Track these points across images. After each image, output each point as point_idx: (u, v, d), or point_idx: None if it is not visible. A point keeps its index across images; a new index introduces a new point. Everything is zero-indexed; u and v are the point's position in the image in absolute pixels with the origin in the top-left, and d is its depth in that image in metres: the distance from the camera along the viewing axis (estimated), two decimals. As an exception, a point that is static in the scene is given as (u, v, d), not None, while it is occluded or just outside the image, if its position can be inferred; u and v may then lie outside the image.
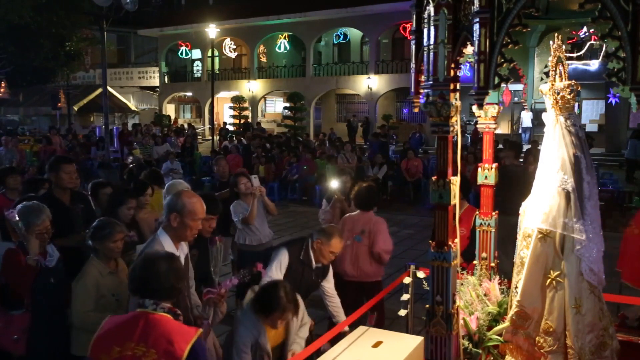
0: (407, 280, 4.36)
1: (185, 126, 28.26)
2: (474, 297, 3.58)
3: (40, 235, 3.70)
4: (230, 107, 29.09)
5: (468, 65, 3.29)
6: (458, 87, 2.76)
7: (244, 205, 5.61)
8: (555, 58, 3.24)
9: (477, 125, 3.95)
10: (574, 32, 3.64)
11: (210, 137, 25.10)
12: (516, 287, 3.36)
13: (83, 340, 3.37)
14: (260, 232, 5.72)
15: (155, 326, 2.31)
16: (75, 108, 29.44)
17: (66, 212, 4.46)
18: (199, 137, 28.90)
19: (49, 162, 4.83)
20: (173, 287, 2.46)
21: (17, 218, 3.70)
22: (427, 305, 2.93)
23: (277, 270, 4.13)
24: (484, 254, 3.89)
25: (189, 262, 3.40)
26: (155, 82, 32.78)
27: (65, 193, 4.62)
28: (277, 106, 32.37)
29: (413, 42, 2.96)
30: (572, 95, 3.20)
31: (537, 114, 20.31)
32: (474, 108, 3.45)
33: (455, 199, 2.85)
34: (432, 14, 2.66)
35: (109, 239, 3.56)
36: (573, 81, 3.22)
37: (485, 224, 3.88)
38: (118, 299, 3.54)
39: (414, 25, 2.94)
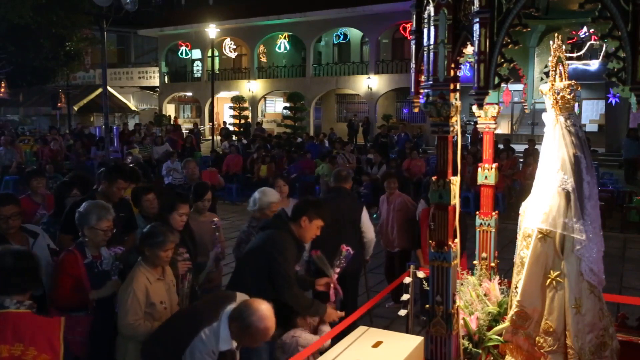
0: (407, 280, 4.36)
1: (187, 126, 28.22)
2: (474, 297, 3.57)
3: (104, 234, 3.65)
4: (230, 107, 29.06)
5: (468, 65, 3.29)
6: (458, 87, 2.76)
7: None
8: (555, 58, 3.24)
9: (477, 125, 3.95)
10: (574, 32, 3.64)
11: (210, 137, 25.08)
12: (516, 287, 3.36)
13: (131, 349, 3.32)
14: None
15: (26, 324, 2.34)
16: (75, 108, 29.44)
17: None
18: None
19: (105, 171, 4.75)
20: (31, 281, 2.49)
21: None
22: (427, 305, 2.93)
23: None
24: (484, 254, 3.89)
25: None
26: (155, 82, 32.75)
27: (109, 202, 4.38)
28: (277, 106, 32.33)
29: (413, 42, 2.96)
30: (572, 95, 3.21)
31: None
32: (474, 108, 3.45)
33: (456, 198, 2.85)
34: (432, 14, 2.66)
35: (161, 248, 3.43)
36: (573, 81, 3.22)
37: (485, 224, 3.88)
38: (166, 307, 3.46)
39: (414, 25, 2.94)
